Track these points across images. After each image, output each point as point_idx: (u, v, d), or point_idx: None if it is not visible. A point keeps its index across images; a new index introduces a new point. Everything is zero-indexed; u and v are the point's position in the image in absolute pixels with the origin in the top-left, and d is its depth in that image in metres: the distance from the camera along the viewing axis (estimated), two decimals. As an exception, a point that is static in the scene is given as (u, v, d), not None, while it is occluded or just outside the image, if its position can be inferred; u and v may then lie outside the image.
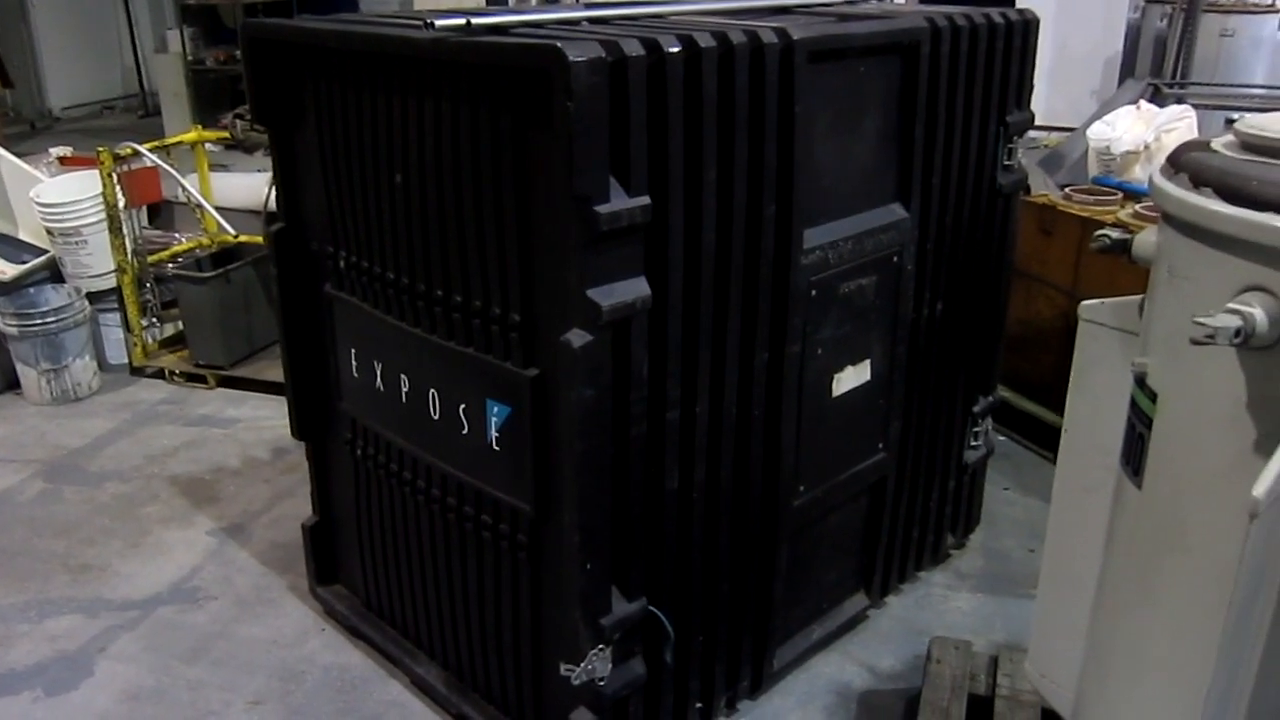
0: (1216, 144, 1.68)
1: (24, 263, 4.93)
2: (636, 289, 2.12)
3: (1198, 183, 1.58)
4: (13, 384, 4.91)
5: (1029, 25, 2.98)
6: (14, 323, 4.70)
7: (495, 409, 2.36)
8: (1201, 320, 1.45)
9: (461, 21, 2.13)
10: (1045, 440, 4.00)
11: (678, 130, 2.10)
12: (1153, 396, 1.69)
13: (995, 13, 2.86)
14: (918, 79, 2.65)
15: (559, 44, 1.89)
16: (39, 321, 4.69)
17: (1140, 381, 1.72)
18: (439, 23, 2.13)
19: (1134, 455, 1.76)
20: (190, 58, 10.11)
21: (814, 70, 2.34)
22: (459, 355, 2.41)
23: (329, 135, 2.62)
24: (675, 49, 2.05)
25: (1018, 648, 2.77)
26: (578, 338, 2.06)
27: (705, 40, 2.11)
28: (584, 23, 2.36)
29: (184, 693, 2.95)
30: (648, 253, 2.14)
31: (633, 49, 1.97)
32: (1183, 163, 1.65)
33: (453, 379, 2.47)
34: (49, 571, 3.54)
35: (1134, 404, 1.76)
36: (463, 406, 2.45)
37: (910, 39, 2.62)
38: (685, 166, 2.14)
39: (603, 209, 1.99)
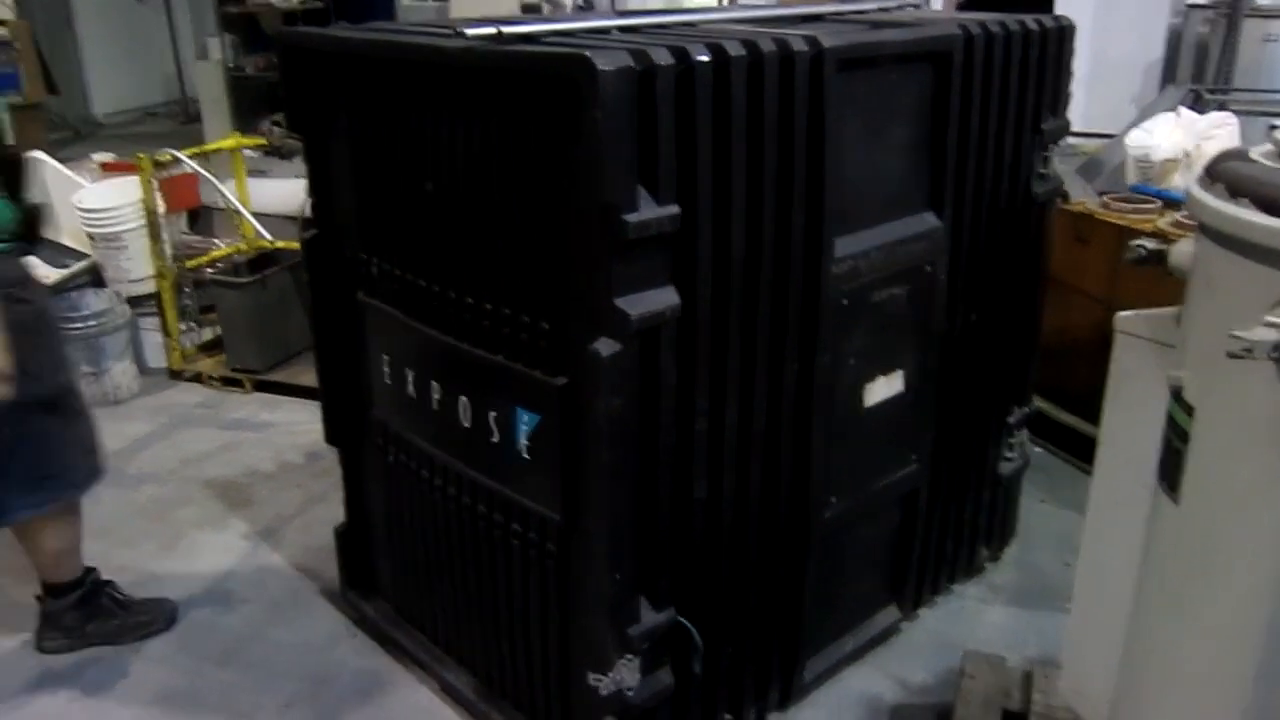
0: (1255, 153, 1.65)
1: (66, 267, 5.00)
2: (665, 298, 2.12)
3: (1235, 193, 1.55)
4: (54, 387, 4.97)
5: (1065, 32, 2.94)
6: (55, 327, 4.77)
7: (524, 417, 2.36)
8: (1238, 334, 1.42)
9: (492, 30, 2.14)
10: (1082, 452, 3.94)
11: (706, 139, 2.09)
12: (1189, 410, 1.66)
13: (1030, 19, 2.83)
14: (950, 87, 2.62)
15: (587, 53, 1.89)
16: (80, 325, 4.75)
17: (1176, 395, 1.70)
18: (470, 31, 2.14)
19: (1170, 470, 1.73)
20: (230, 65, 10.24)
21: (845, 78, 2.32)
22: (488, 363, 2.41)
23: (361, 143, 2.64)
24: (704, 58, 2.04)
25: (1052, 663, 2.73)
26: (606, 346, 2.05)
27: (735, 49, 2.10)
28: (614, 31, 2.36)
29: (216, 695, 2.98)
30: (676, 262, 2.13)
31: (662, 58, 1.97)
32: (1220, 172, 1.62)
33: (482, 387, 2.48)
34: (86, 573, 3.59)
35: (1170, 418, 1.73)
36: (492, 414, 2.45)
37: (943, 47, 2.59)
38: (714, 175, 2.13)
39: (631, 218, 1.98)
